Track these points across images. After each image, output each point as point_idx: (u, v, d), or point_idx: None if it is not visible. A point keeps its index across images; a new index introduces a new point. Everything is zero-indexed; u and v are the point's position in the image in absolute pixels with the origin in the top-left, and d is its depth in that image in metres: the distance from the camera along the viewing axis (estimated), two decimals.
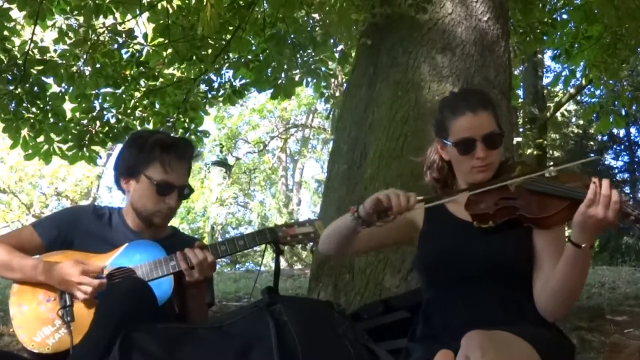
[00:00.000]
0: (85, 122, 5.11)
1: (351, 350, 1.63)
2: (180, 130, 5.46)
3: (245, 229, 19.56)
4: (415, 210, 1.79)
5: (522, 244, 1.68)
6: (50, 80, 4.92)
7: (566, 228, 1.73)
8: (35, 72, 4.75)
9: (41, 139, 5.01)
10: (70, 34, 4.90)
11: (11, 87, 4.63)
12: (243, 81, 5.68)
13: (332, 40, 5.34)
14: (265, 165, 20.60)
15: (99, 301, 1.79)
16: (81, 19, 4.78)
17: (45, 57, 4.79)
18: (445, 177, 1.87)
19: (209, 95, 5.70)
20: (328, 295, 3.05)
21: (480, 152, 1.70)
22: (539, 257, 1.66)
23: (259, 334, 1.57)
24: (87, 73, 4.93)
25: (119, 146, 5.60)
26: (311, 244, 2.12)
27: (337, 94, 9.49)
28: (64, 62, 4.85)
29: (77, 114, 5.12)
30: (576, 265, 1.52)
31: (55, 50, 4.99)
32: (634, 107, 7.42)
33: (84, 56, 4.84)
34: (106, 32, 4.94)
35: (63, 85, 4.95)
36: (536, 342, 1.40)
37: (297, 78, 5.48)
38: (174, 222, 2.17)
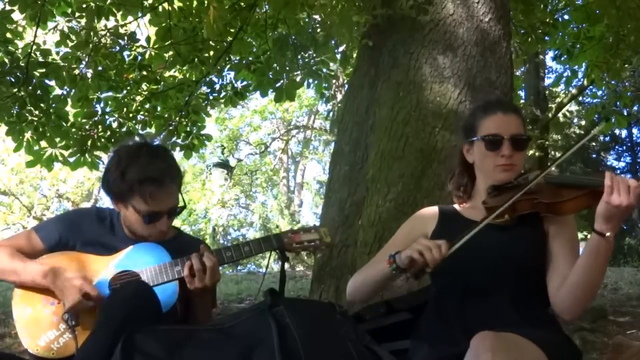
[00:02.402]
0: (87, 127, 5.12)
1: (353, 352, 1.62)
2: (183, 134, 5.46)
3: (247, 231, 19.60)
4: (429, 222, 1.85)
5: (536, 242, 1.70)
6: (52, 83, 4.92)
7: (578, 233, 1.74)
8: (37, 74, 4.76)
9: (44, 142, 5.01)
10: (72, 37, 4.91)
11: (14, 90, 4.64)
12: (244, 83, 5.69)
13: (333, 42, 5.35)
14: (266, 167, 20.63)
15: (102, 305, 1.78)
16: (83, 21, 4.78)
17: (47, 60, 4.80)
18: (465, 184, 1.91)
19: (211, 97, 5.71)
20: (330, 297, 3.05)
21: (506, 149, 1.76)
22: (554, 258, 1.68)
23: (261, 335, 1.57)
24: (89, 76, 4.94)
25: None
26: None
27: (339, 95, 9.50)
28: (66, 64, 4.86)
29: (80, 119, 5.13)
30: (599, 256, 1.53)
31: (57, 53, 5.00)
32: (635, 108, 7.42)
33: (86, 59, 4.85)
34: (108, 34, 4.95)
35: (65, 88, 4.96)
36: (545, 346, 1.40)
37: (298, 79, 5.49)
38: (176, 222, 2.15)
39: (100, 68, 4.94)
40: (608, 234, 1.49)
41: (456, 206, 1.93)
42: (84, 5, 4.56)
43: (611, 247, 1.52)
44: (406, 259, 1.62)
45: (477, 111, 1.89)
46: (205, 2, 3.52)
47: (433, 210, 1.93)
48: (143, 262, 1.93)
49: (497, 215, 1.68)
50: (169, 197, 1.94)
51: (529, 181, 1.70)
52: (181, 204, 2.00)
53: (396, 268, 1.66)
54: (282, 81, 5.36)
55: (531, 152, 10.03)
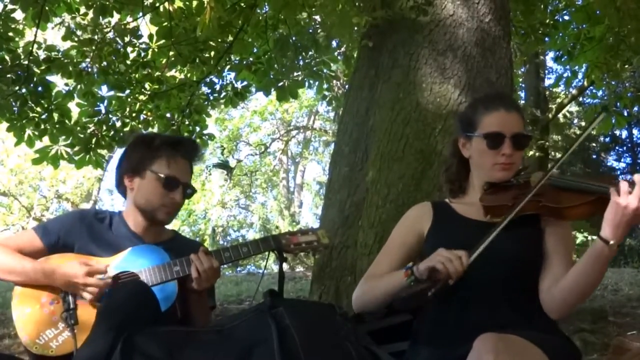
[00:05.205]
0: (91, 126, 5.15)
1: (353, 353, 1.62)
2: (185, 134, 5.48)
3: (247, 232, 19.61)
4: (424, 220, 1.83)
5: (533, 241, 1.69)
6: (55, 79, 4.98)
7: (575, 232, 1.72)
8: (39, 72, 4.78)
9: (46, 139, 5.04)
10: (78, 32, 4.95)
11: (16, 88, 4.65)
12: (245, 83, 5.70)
13: (335, 43, 5.35)
14: (266, 168, 20.62)
15: (100, 304, 1.79)
16: (88, 18, 4.83)
17: (52, 55, 4.83)
18: (459, 178, 1.87)
19: (211, 98, 5.72)
20: (330, 298, 3.05)
21: (507, 148, 1.73)
22: (549, 257, 1.67)
23: (261, 337, 1.57)
24: (94, 70, 4.97)
25: (120, 150, 5.66)
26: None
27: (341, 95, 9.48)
28: (71, 60, 4.89)
29: (84, 118, 5.16)
30: (599, 263, 1.51)
31: (58, 51, 5.02)
32: (635, 109, 7.42)
33: (91, 54, 4.88)
34: (112, 31, 4.98)
35: (71, 83, 4.99)
36: (546, 348, 1.39)
37: (299, 80, 5.50)
38: (175, 223, 2.17)
39: (104, 64, 4.97)
40: (612, 242, 1.47)
41: (447, 201, 1.90)
42: (90, 3, 4.59)
43: (613, 255, 1.50)
44: (426, 271, 1.58)
45: (478, 105, 1.83)
46: (205, 1, 3.52)
47: (426, 206, 1.89)
48: (142, 263, 1.94)
49: (495, 215, 1.67)
50: (188, 171, 2.06)
51: (530, 181, 1.69)
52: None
53: (415, 280, 1.62)
54: (284, 81, 5.37)
55: (531, 152, 10.02)
